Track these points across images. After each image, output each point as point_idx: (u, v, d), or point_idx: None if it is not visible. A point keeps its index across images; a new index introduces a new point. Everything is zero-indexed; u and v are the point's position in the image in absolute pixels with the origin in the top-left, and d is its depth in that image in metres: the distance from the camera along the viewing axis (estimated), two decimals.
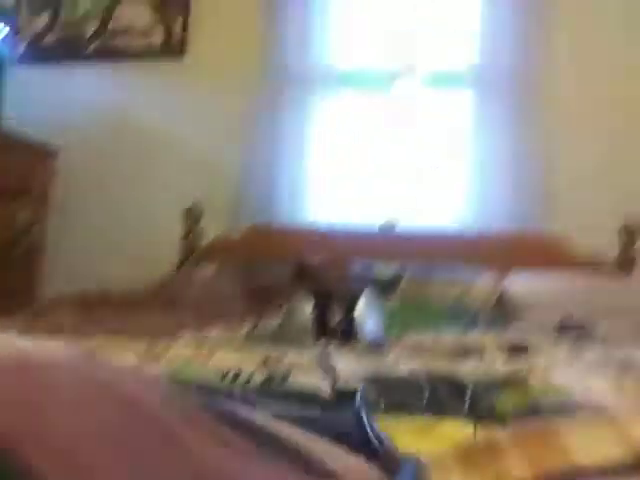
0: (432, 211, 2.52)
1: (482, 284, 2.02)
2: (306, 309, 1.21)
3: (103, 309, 1.64)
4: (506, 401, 0.64)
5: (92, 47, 2.78)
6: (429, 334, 1.49)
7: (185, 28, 2.71)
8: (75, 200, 2.63)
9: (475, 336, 1.47)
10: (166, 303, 1.82)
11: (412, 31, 2.60)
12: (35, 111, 2.68)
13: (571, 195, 2.33)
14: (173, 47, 2.71)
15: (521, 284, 2.01)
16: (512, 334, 1.46)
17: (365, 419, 0.50)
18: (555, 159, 2.36)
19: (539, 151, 2.38)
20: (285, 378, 0.76)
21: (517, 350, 1.26)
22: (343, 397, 0.66)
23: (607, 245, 2.20)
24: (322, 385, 0.72)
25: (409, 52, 2.60)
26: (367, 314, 1.22)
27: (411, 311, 1.77)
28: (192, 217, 2.39)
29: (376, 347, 1.19)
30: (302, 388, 0.68)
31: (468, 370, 0.99)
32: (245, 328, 1.45)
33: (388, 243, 2.33)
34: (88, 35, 2.79)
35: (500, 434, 0.46)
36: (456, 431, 0.46)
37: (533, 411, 0.60)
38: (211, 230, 2.43)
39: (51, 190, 2.58)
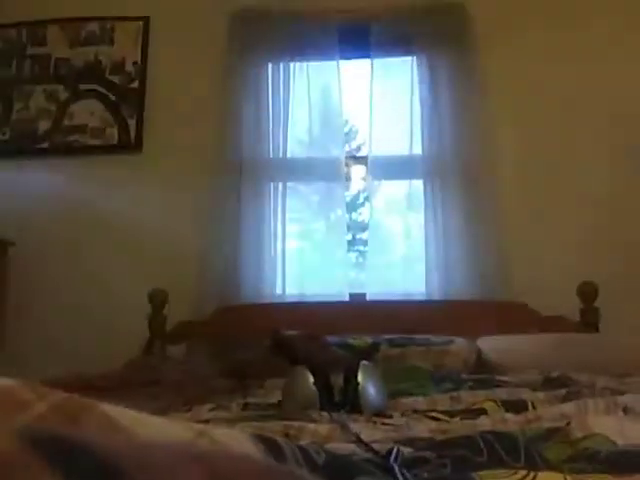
0: (397, 282, 2.58)
1: (457, 348, 2.05)
2: (308, 381, 1.20)
3: (83, 394, 1.57)
4: (556, 451, 0.65)
5: (46, 143, 2.78)
6: (420, 397, 1.50)
7: (140, 125, 2.76)
8: (33, 295, 2.54)
9: (466, 395, 1.48)
10: (145, 385, 1.75)
11: (362, 122, 2.78)
12: None
13: (528, 264, 2.46)
14: (129, 144, 2.75)
15: (495, 345, 2.06)
16: (503, 392, 1.48)
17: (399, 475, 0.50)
18: (508, 235, 2.50)
19: (491, 226, 2.51)
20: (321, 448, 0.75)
21: (515, 406, 1.28)
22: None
23: (569, 308, 2.30)
24: (358, 452, 0.71)
25: (360, 140, 2.78)
26: (367, 382, 1.21)
27: (394, 375, 1.77)
28: (156, 301, 2.35)
29: (380, 414, 1.18)
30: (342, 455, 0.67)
31: (488, 426, 1.01)
32: (236, 407, 1.42)
33: (358, 314, 2.35)
34: (41, 131, 2.79)
35: None
36: None
37: (586, 460, 0.62)
38: (176, 316, 2.39)
39: (7, 280, 2.49)
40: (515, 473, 0.49)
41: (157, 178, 2.69)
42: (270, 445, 0.36)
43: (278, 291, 2.52)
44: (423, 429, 1.02)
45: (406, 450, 0.75)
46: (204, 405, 1.47)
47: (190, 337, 2.33)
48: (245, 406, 1.42)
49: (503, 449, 0.61)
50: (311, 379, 1.20)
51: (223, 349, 2.20)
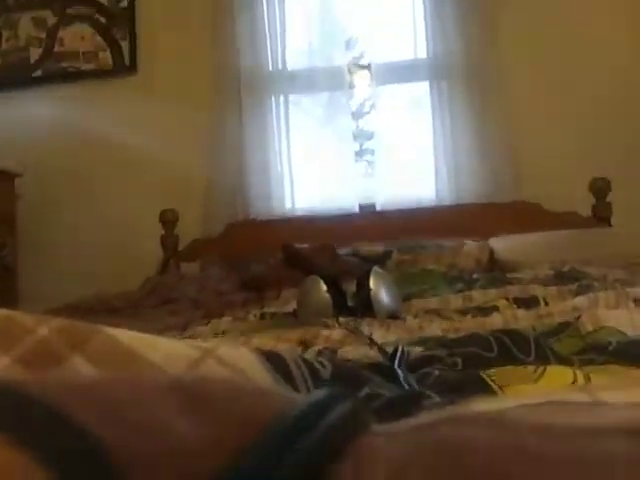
0: (406, 189, 2.56)
1: (469, 248, 2.06)
2: (321, 289, 1.21)
3: (103, 314, 1.61)
4: (567, 345, 0.66)
5: (39, 71, 2.71)
6: (433, 298, 1.52)
7: (133, 47, 2.66)
8: (44, 222, 2.55)
9: (478, 294, 1.50)
10: (162, 302, 1.79)
11: (362, 28, 2.64)
12: None
13: (538, 162, 2.41)
14: (123, 67, 2.66)
15: (507, 244, 2.06)
16: (514, 289, 1.50)
17: (400, 373, 0.50)
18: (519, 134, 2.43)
19: (502, 129, 2.44)
20: (334, 353, 0.77)
21: (527, 302, 1.30)
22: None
23: (581, 205, 2.28)
24: (373, 355, 0.72)
25: (361, 48, 2.65)
26: (379, 287, 1.23)
27: (407, 279, 1.79)
28: (167, 221, 2.36)
29: (394, 317, 1.21)
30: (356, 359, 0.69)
31: (500, 323, 1.02)
32: (253, 317, 1.45)
33: (369, 225, 2.35)
34: (33, 60, 2.71)
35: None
36: (562, 375, 0.47)
37: (596, 351, 0.62)
38: (188, 236, 2.41)
39: (16, 213, 2.49)
40: (524, 368, 0.49)
41: (156, 99, 2.63)
42: (277, 362, 0.36)
43: (287, 206, 2.51)
44: (435, 328, 1.04)
45: (418, 349, 0.77)
46: (222, 318, 1.50)
47: (203, 255, 2.36)
48: (262, 316, 1.45)
49: (514, 345, 0.62)
50: (324, 287, 1.21)
51: (236, 264, 2.22)
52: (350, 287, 1.25)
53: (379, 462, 0.18)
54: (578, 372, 0.48)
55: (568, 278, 1.59)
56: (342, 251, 2.05)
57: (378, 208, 2.47)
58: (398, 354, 0.60)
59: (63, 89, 2.68)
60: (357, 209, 2.48)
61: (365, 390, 0.40)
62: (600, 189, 2.27)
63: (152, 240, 2.37)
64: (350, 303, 1.22)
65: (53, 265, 2.49)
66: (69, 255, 2.51)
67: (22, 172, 2.46)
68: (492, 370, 0.49)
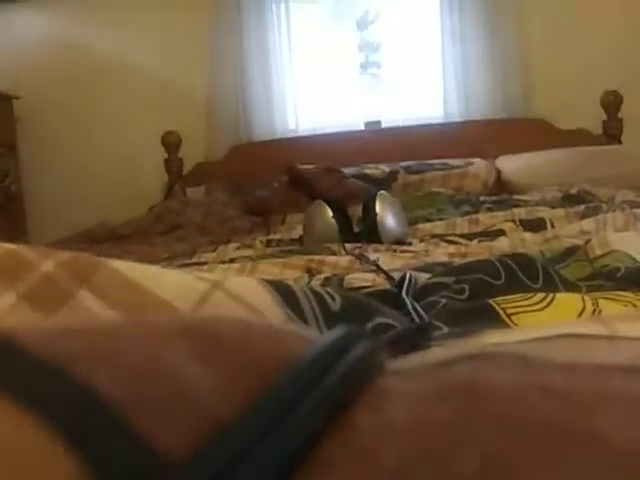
0: (414, 107, 2.49)
1: (476, 169, 2.03)
2: (327, 215, 1.20)
3: (111, 242, 1.62)
4: (575, 270, 0.65)
5: None
6: (439, 222, 1.51)
7: None
8: (44, 148, 2.52)
9: (485, 217, 1.49)
10: (169, 228, 1.80)
11: None
12: None
13: (549, 77, 2.33)
14: None
15: (514, 164, 2.03)
16: (521, 212, 1.49)
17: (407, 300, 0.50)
18: (530, 47, 2.34)
19: (513, 41, 2.34)
20: (341, 280, 0.77)
21: (533, 225, 1.29)
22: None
23: (592, 122, 2.22)
24: (380, 281, 0.73)
25: None
26: (385, 212, 1.22)
27: (413, 202, 1.78)
28: (170, 144, 2.32)
29: (400, 242, 1.21)
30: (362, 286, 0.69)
31: (506, 247, 1.02)
32: (259, 244, 1.45)
33: (375, 143, 2.31)
34: None
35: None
36: (571, 303, 0.47)
37: (605, 277, 0.62)
38: (191, 159, 2.38)
39: (16, 138, 2.45)
40: (533, 295, 0.49)
41: (152, 13, 2.52)
42: (286, 294, 0.36)
43: (291, 126, 2.46)
44: (441, 253, 1.04)
45: (424, 276, 0.77)
46: (229, 244, 1.51)
47: (207, 179, 2.34)
48: (268, 243, 1.45)
49: (521, 271, 0.62)
50: (330, 212, 1.20)
51: (241, 188, 2.21)
52: (356, 212, 1.24)
53: (396, 402, 0.18)
54: (587, 299, 0.48)
55: (576, 200, 1.58)
56: (347, 171, 2.03)
57: (383, 125, 2.42)
58: (405, 282, 0.59)
59: (53, 3, 2.57)
60: (362, 126, 2.43)
61: (374, 321, 0.40)
62: (611, 103, 2.21)
63: (155, 165, 2.34)
64: (356, 228, 1.22)
65: (58, 193, 2.48)
66: (73, 182, 2.50)
67: (17, 96, 2.41)
68: (500, 298, 0.49)
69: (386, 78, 2.51)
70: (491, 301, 0.48)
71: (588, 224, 1.10)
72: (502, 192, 1.90)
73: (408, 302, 0.52)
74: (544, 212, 1.46)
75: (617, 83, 2.20)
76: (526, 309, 0.46)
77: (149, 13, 2.51)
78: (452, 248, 1.10)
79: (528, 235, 1.12)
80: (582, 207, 1.42)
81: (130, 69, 2.50)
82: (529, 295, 0.49)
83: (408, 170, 2.01)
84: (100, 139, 2.51)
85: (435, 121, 2.38)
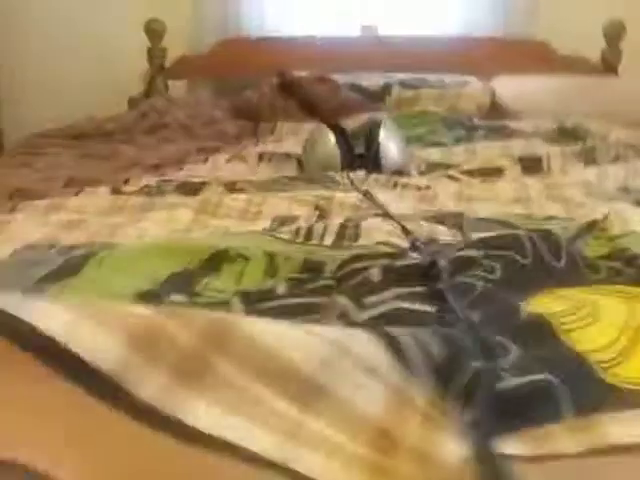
0: (413, 20, 2.37)
1: (472, 90, 1.99)
2: (329, 141, 1.18)
3: (97, 138, 1.56)
4: (594, 248, 0.67)
5: None
6: (435, 148, 1.50)
7: None
8: (22, 26, 2.32)
9: (481, 148, 1.48)
10: (154, 127, 1.73)
11: None
12: None
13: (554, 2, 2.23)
14: None
15: (510, 87, 1.99)
16: (517, 145, 1.48)
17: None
18: None
19: None
20: (357, 228, 0.77)
21: (531, 164, 1.30)
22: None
23: (592, 51, 2.17)
24: (400, 243, 0.73)
25: None
26: (389, 140, 1.20)
27: (405, 121, 1.75)
28: (154, 32, 2.16)
29: (400, 172, 1.20)
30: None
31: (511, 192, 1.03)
32: (252, 159, 1.41)
33: (370, 52, 2.21)
34: None
35: None
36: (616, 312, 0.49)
37: (623, 260, 0.64)
38: (175, 51, 2.23)
39: None
40: (580, 309, 0.50)
41: None
42: (400, 354, 0.37)
43: (285, 27, 2.32)
44: (447, 194, 1.04)
45: (442, 231, 0.77)
46: (219, 154, 1.47)
47: (191, 73, 2.23)
48: (260, 157, 1.42)
49: (546, 249, 0.63)
50: (332, 138, 1.18)
51: (228, 89, 2.12)
52: (359, 137, 1.21)
53: None
54: (629, 305, 0.50)
55: (570, 135, 1.58)
56: (341, 79, 1.96)
57: (380, 33, 2.31)
58: (419, 243, 0.61)
59: None
60: (358, 32, 2.32)
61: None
62: (614, 33, 2.16)
63: (137, 53, 2.20)
64: (358, 155, 1.19)
65: (33, 86, 2.33)
66: (50, 66, 2.33)
67: None
68: (539, 299, 0.51)
69: None
70: (546, 315, 0.49)
71: (589, 174, 1.11)
72: (495, 115, 1.87)
73: (443, 277, 0.53)
74: (540, 148, 1.46)
75: (623, 12, 2.13)
76: (578, 324, 0.48)
77: None
78: (454, 187, 1.10)
79: (530, 181, 1.13)
80: (578, 146, 1.43)
81: None
82: (575, 308, 0.51)
83: (403, 84, 1.96)
84: (81, 21, 2.33)
85: (434, 34, 2.29)
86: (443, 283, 0.52)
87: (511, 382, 0.38)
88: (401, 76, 2.00)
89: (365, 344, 0.37)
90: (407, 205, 0.94)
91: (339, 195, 0.95)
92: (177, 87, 2.22)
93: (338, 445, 0.32)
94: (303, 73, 1.94)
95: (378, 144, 1.17)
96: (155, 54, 2.18)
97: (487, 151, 1.44)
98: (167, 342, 0.32)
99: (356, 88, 1.93)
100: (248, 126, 1.80)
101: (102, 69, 2.31)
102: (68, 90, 2.27)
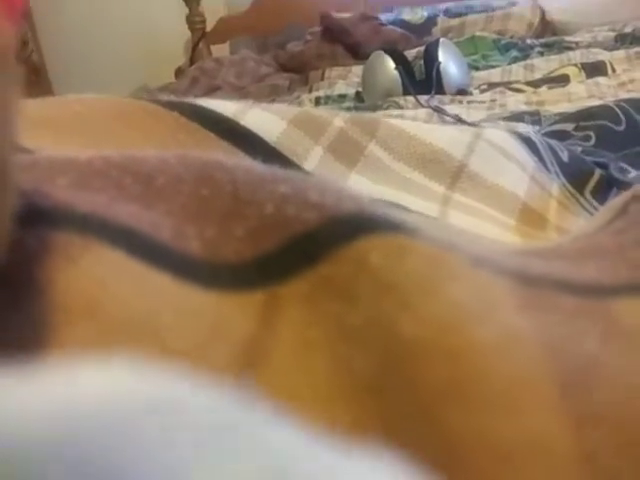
0: None
1: (520, 10, 1.92)
2: (388, 66, 1.17)
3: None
4: None
5: None
6: (492, 70, 1.47)
7: None
8: (61, 7, 2.37)
9: (540, 62, 1.44)
10: (207, 91, 1.75)
11: None
12: None
13: None
14: None
15: (560, 2, 1.92)
16: (576, 55, 1.43)
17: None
18: None
19: None
20: None
21: (595, 69, 1.25)
22: None
23: None
24: None
25: None
26: (448, 60, 1.18)
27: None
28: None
29: (462, 92, 1.18)
30: None
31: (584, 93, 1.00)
32: (309, 102, 1.42)
33: None
34: None
35: None
36: None
37: None
38: (212, 15, 2.24)
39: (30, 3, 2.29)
40: None
41: None
42: (529, 144, 0.38)
43: None
44: (515, 102, 1.02)
45: (523, 127, 0.77)
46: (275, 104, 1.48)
47: (232, 35, 2.23)
48: (317, 101, 1.42)
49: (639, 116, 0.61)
50: (392, 63, 1.17)
51: (271, 43, 2.12)
52: (417, 61, 1.20)
53: None
54: None
55: (631, 40, 1.51)
56: (384, 17, 1.93)
57: None
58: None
59: None
60: None
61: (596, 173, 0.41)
62: None
63: (176, 23, 2.23)
64: (419, 78, 1.18)
65: (78, 57, 2.38)
66: (92, 42, 2.38)
67: None
68: None
69: None
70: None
71: None
72: (548, 34, 1.81)
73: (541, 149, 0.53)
74: (601, 54, 1.40)
75: None
76: None
77: None
78: (521, 96, 1.08)
79: (601, 79, 1.09)
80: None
81: None
82: None
83: (447, 14, 1.91)
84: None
85: None
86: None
87: None
88: (445, 5, 1.95)
89: (504, 137, 0.38)
90: (478, 114, 0.93)
91: (409, 113, 0.95)
92: (220, 50, 2.23)
93: (490, 215, 0.33)
94: (345, 15, 1.92)
95: (438, 64, 1.15)
96: (194, 20, 2.20)
97: (547, 64, 1.40)
98: (323, 122, 0.34)
99: (400, 23, 1.90)
100: (297, 76, 1.80)
101: (145, 44, 2.35)
102: (114, 68, 2.32)
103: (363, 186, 0.31)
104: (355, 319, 0.16)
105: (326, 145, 0.33)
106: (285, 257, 0.18)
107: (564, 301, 0.17)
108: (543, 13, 1.90)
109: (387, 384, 0.15)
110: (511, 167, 0.36)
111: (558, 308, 0.17)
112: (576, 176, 0.39)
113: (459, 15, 1.90)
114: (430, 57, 1.16)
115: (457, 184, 0.34)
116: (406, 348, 0.15)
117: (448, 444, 0.14)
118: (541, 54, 1.56)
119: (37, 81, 2.14)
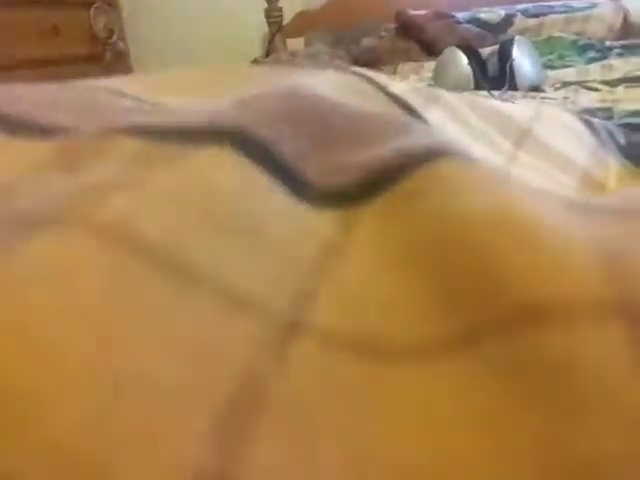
0: None
1: (601, 12, 1.88)
2: (461, 61, 1.18)
3: None
4: None
5: None
6: (568, 69, 1.45)
7: None
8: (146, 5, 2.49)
9: (618, 63, 1.41)
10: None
11: None
12: None
13: None
14: None
15: None
16: None
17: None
18: None
19: None
20: None
21: None
22: None
23: None
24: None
25: None
26: (522, 57, 1.18)
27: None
28: None
29: (536, 90, 1.18)
30: None
31: None
32: None
33: None
34: None
35: None
36: None
37: None
38: (290, 9, 2.31)
39: None
40: None
41: None
42: (590, 126, 0.40)
43: None
44: (589, 100, 1.01)
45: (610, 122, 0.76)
46: None
47: (308, 29, 2.28)
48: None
49: None
50: (464, 59, 1.18)
51: (345, 37, 2.15)
52: (491, 57, 1.20)
53: None
54: None
55: None
56: (460, 15, 1.93)
57: None
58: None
59: None
60: None
61: None
62: None
63: (255, 17, 2.30)
64: (492, 74, 1.19)
65: (160, 46, 2.49)
66: (175, 34, 2.49)
67: None
68: None
69: None
70: None
71: None
72: (630, 36, 1.76)
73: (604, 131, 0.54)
74: None
75: None
76: None
77: None
78: (595, 95, 1.07)
79: None
80: None
81: None
82: None
83: (526, 13, 1.89)
84: None
85: None
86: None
87: None
88: (523, 5, 1.93)
89: (566, 115, 0.40)
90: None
91: None
92: (295, 44, 2.28)
93: (552, 174, 0.35)
94: (421, 12, 1.93)
95: (512, 60, 1.15)
96: (272, 14, 2.26)
97: (626, 65, 1.37)
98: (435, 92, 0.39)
99: (476, 21, 1.89)
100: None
101: (225, 36, 2.43)
102: (193, 58, 2.42)
103: (442, 122, 0.35)
104: (429, 226, 0.18)
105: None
106: (369, 182, 0.22)
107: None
108: (626, 15, 1.86)
109: (454, 266, 0.17)
110: (572, 138, 0.38)
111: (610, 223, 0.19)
112: (634, 157, 0.40)
113: (537, 15, 1.88)
114: (504, 54, 1.16)
115: (523, 144, 0.36)
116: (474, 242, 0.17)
117: None
118: (620, 55, 1.52)
119: (119, 65, 2.25)
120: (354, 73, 0.38)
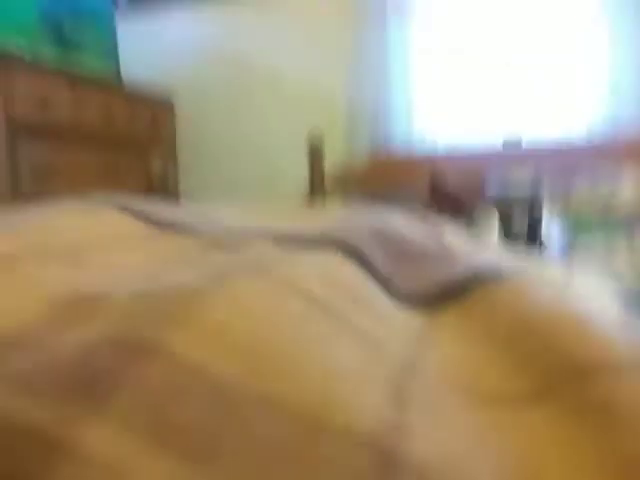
0: (557, 121, 2.44)
1: (627, 186, 1.96)
2: (490, 217, 1.23)
3: None
4: None
5: None
6: (596, 242, 1.49)
7: None
8: (196, 143, 2.74)
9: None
10: None
11: None
12: (141, 59, 2.78)
13: None
14: None
15: None
16: None
17: None
18: None
19: None
20: None
21: None
22: None
23: None
24: None
25: None
26: (550, 219, 1.23)
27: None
28: (315, 147, 2.42)
29: (563, 255, 1.21)
30: None
31: None
32: None
33: (518, 159, 2.28)
34: None
35: None
36: None
37: None
38: (329, 161, 2.49)
39: (177, 138, 2.68)
40: None
41: (297, 20, 2.67)
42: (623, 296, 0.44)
43: (429, 139, 2.50)
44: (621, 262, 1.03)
45: None
46: None
47: (346, 189, 2.42)
48: None
49: None
50: (494, 215, 1.23)
51: (380, 199, 2.27)
52: (519, 213, 1.25)
53: None
54: None
55: None
56: (490, 177, 2.03)
57: (524, 141, 2.38)
58: None
59: (207, 10, 2.79)
60: (500, 145, 2.41)
61: None
62: None
63: (299, 159, 2.49)
64: (516, 229, 1.23)
65: (209, 188, 2.69)
66: (225, 179, 2.70)
67: (176, 97, 2.61)
68: None
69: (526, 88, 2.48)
70: None
71: None
72: None
73: None
74: None
75: None
76: None
77: (292, 27, 2.66)
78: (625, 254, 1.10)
79: None
80: None
81: (273, 71, 2.67)
82: None
83: (551, 188, 1.98)
84: (247, 136, 2.69)
85: (578, 134, 2.32)
86: None
87: None
88: (547, 179, 2.03)
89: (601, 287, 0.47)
90: None
91: None
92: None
93: None
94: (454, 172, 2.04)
95: (540, 222, 1.20)
96: (315, 177, 2.42)
97: None
98: None
99: (504, 185, 1.99)
100: None
101: (268, 187, 2.60)
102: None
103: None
104: (496, 329, 0.29)
105: None
106: (441, 296, 0.35)
107: None
108: None
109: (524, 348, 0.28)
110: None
111: None
112: None
113: (562, 188, 1.96)
114: (531, 212, 1.22)
115: None
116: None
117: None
118: None
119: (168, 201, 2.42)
120: (414, 217, 0.52)
